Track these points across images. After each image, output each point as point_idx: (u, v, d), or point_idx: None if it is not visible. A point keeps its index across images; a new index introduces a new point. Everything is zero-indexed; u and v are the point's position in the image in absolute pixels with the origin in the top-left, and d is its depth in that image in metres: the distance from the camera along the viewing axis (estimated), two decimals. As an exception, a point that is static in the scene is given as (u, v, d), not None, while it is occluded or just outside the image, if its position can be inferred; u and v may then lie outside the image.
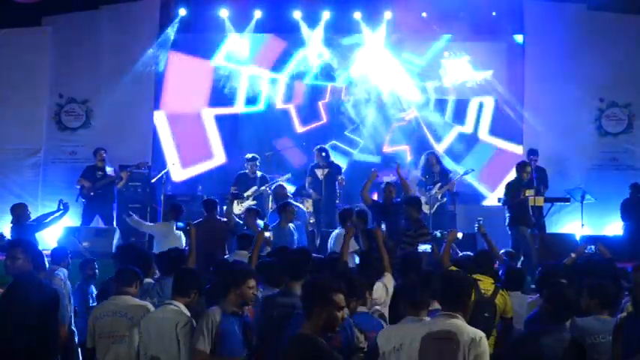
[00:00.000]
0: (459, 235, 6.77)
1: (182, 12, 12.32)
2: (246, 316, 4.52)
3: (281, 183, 10.03)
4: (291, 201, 9.24)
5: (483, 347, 3.64)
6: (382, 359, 3.90)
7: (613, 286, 4.75)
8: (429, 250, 6.75)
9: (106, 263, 7.17)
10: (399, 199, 8.76)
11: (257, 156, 10.65)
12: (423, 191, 10.07)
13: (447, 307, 3.78)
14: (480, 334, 3.69)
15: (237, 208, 9.64)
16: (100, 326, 4.92)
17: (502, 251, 7.33)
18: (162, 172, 10.77)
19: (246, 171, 10.52)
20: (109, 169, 10.57)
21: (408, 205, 7.97)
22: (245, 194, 10.18)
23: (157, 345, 4.56)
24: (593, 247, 6.91)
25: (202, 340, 4.29)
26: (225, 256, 7.45)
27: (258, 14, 12.41)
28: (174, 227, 8.25)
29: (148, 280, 5.60)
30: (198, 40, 12.80)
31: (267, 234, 6.65)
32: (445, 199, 10.24)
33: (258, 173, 10.53)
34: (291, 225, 8.28)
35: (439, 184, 10.05)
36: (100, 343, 4.92)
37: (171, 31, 12.38)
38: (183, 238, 8.18)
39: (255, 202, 10.04)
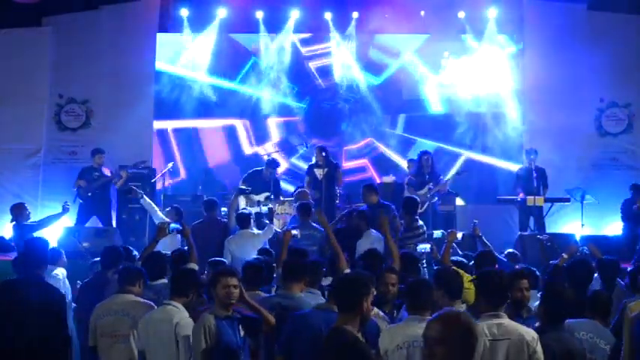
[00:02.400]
0: (459, 235, 6.76)
1: (183, 12, 12.33)
2: (236, 316, 4.45)
3: (304, 189, 9.74)
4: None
5: (540, 346, 3.74)
6: (384, 357, 3.90)
7: (605, 294, 4.80)
8: (428, 250, 6.74)
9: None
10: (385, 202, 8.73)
11: (279, 162, 10.46)
12: (412, 191, 10.04)
13: (492, 308, 3.84)
14: (534, 333, 3.79)
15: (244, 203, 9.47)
16: (102, 325, 4.91)
17: (505, 252, 7.34)
18: (162, 172, 10.75)
19: (262, 169, 10.11)
20: (105, 171, 10.56)
21: (404, 207, 8.00)
22: (257, 198, 9.79)
23: (156, 345, 4.56)
24: (585, 248, 6.92)
25: (204, 350, 4.26)
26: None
27: (259, 14, 12.43)
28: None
29: (163, 280, 5.54)
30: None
31: (294, 232, 6.66)
32: (436, 198, 10.24)
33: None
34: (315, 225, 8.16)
35: (430, 185, 10.04)
36: (102, 342, 4.92)
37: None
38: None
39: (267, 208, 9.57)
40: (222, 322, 4.34)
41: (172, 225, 6.52)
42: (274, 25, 12.61)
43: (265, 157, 10.89)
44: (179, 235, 8.09)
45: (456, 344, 2.55)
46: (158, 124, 12.59)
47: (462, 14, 12.17)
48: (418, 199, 8.50)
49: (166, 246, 7.28)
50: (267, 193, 9.84)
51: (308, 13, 12.50)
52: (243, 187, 9.67)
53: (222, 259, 6.35)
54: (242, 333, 4.45)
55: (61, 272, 6.39)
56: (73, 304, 6.36)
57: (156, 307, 4.89)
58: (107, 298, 5.07)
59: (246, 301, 4.48)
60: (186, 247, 6.55)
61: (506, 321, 3.79)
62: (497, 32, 12.30)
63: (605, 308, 4.66)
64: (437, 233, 7.67)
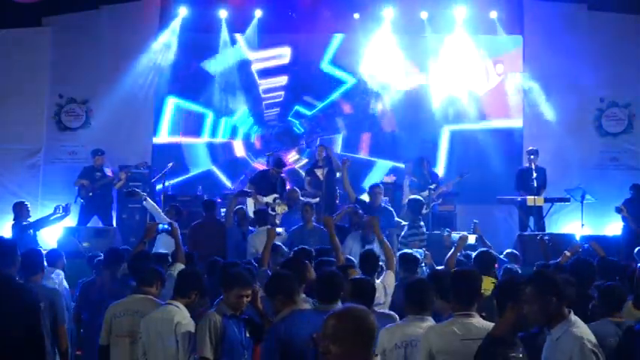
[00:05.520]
0: (472, 239, 6.73)
1: (182, 12, 12.32)
2: (244, 315, 4.47)
3: (294, 187, 9.79)
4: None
5: None
6: (382, 356, 3.90)
7: (621, 287, 4.73)
8: (422, 255, 6.71)
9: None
10: (383, 205, 8.74)
11: (285, 162, 10.49)
12: (415, 192, 10.04)
13: (464, 307, 3.80)
14: None
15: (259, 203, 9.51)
16: (119, 325, 4.89)
17: (505, 252, 7.34)
18: (163, 172, 10.76)
19: (269, 170, 10.07)
20: (107, 170, 10.60)
21: (409, 207, 8.01)
22: (265, 200, 9.68)
23: (157, 345, 4.57)
24: (587, 245, 6.91)
25: (208, 347, 4.28)
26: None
27: (258, 14, 12.42)
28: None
29: None
30: (198, 39, 12.77)
31: (279, 230, 6.69)
32: (441, 199, 10.26)
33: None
34: (314, 224, 8.11)
35: (434, 186, 10.04)
36: (118, 342, 4.89)
37: (173, 28, 12.39)
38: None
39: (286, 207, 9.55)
40: (229, 320, 4.37)
41: (161, 225, 6.52)
42: (276, 27, 12.62)
43: (267, 155, 11.00)
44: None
45: (349, 341, 2.47)
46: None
47: (462, 13, 12.16)
48: (424, 201, 8.53)
49: (169, 245, 7.27)
50: (276, 195, 9.77)
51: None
52: (246, 189, 9.66)
53: (220, 258, 6.32)
54: (247, 333, 4.47)
55: (57, 275, 6.36)
56: (72, 303, 6.37)
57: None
58: (124, 298, 5.03)
59: (257, 307, 4.51)
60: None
61: (475, 320, 3.78)
62: (498, 32, 12.29)
63: (621, 303, 4.51)
64: (454, 236, 7.62)
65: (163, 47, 12.37)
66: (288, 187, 10.30)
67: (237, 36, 12.62)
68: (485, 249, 6.48)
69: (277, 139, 12.81)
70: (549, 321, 3.37)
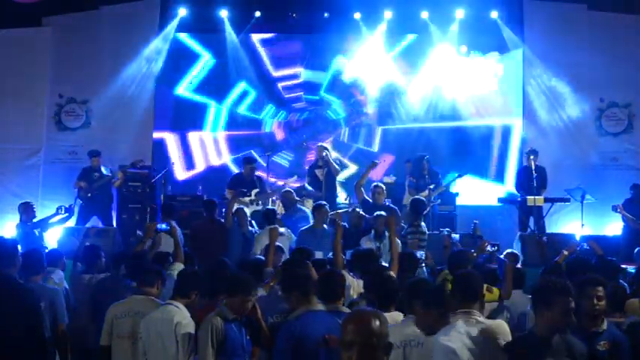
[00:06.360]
0: (489, 248, 6.68)
1: (182, 12, 12.31)
2: (244, 320, 4.48)
3: (288, 188, 9.68)
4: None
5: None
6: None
7: (623, 287, 4.73)
8: (423, 257, 6.71)
9: None
10: (387, 204, 8.73)
11: (256, 158, 10.39)
12: (413, 192, 10.03)
13: (467, 305, 3.83)
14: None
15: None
16: (120, 326, 4.89)
17: (505, 252, 7.33)
18: (163, 172, 10.76)
19: (242, 172, 10.01)
20: (104, 170, 10.59)
21: (411, 207, 8.02)
22: (247, 199, 9.61)
23: (157, 345, 4.56)
24: (585, 244, 6.91)
25: (210, 351, 4.28)
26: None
27: (258, 14, 12.42)
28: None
29: None
30: (197, 39, 12.77)
31: (281, 229, 6.69)
32: (439, 200, 10.26)
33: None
34: (325, 226, 8.00)
35: (433, 186, 10.03)
36: (119, 343, 4.90)
37: (170, 30, 12.39)
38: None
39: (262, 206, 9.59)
40: (231, 325, 4.37)
41: (160, 225, 6.53)
42: (276, 27, 12.61)
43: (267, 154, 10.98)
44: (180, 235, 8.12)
45: (368, 344, 2.54)
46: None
47: (462, 13, 12.16)
48: (426, 202, 8.53)
49: (170, 245, 7.27)
50: (256, 190, 9.72)
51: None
52: (244, 190, 9.64)
53: (226, 259, 6.32)
54: (248, 336, 4.48)
55: (57, 275, 6.36)
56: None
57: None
58: (124, 299, 5.03)
59: (257, 318, 4.54)
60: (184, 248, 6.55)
61: (479, 318, 3.81)
62: (498, 32, 12.30)
63: (622, 303, 4.54)
64: (454, 236, 7.62)
65: (163, 47, 12.38)
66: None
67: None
68: (461, 249, 6.48)
69: (307, 127, 12.02)
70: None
